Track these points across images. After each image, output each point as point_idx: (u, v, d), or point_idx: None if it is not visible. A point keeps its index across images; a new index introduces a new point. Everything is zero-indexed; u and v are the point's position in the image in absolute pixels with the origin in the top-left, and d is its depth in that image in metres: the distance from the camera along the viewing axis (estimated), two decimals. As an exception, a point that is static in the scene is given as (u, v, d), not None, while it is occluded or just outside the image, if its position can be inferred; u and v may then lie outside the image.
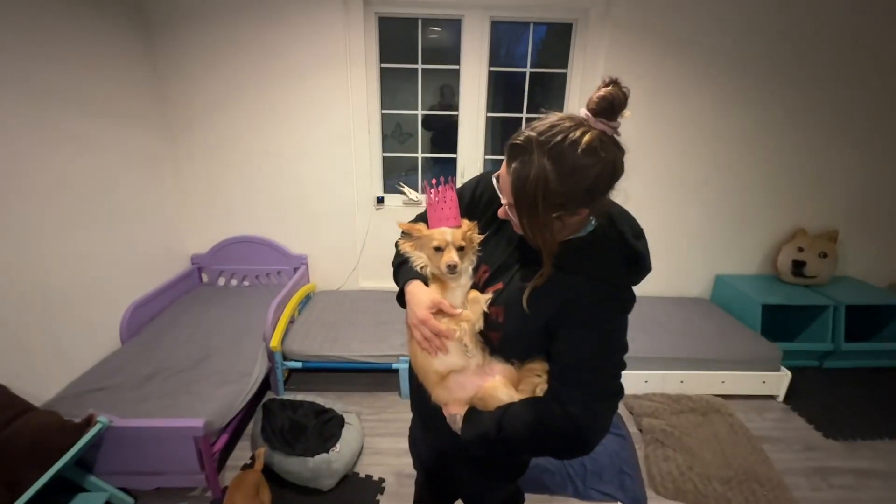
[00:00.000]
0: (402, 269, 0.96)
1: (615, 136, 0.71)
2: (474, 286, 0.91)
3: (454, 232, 0.87)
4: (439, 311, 0.86)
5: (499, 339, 0.87)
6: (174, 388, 1.90)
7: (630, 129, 2.54)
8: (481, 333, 0.88)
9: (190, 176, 2.78)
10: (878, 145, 2.80)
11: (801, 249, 2.87)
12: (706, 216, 2.96)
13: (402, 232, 0.96)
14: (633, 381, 2.42)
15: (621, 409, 2.36)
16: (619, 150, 0.71)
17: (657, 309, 2.84)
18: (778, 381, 2.45)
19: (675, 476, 1.92)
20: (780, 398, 2.48)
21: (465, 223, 0.91)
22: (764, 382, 2.45)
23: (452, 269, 0.85)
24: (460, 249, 0.87)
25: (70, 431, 1.50)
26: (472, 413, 0.88)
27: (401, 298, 0.96)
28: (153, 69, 2.52)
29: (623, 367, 0.82)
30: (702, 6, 2.49)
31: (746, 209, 2.95)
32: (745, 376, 2.43)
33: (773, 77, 2.64)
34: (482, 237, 0.92)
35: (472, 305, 0.86)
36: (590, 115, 0.69)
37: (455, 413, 0.89)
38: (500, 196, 0.79)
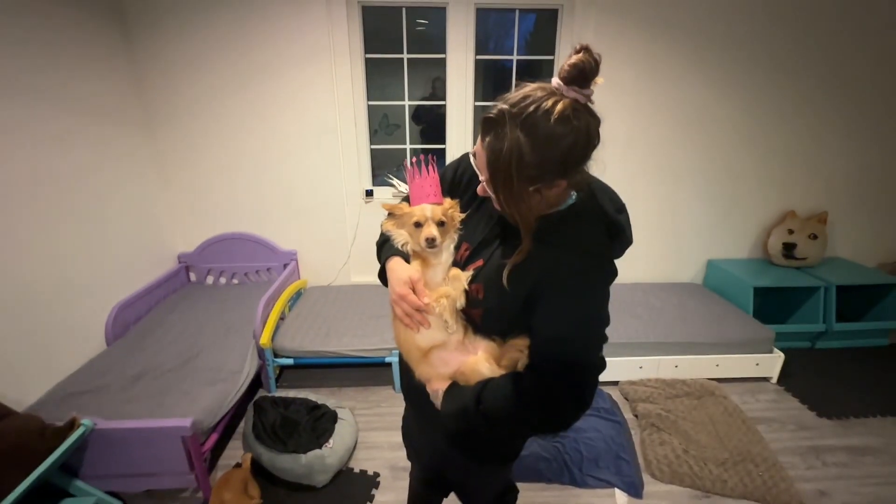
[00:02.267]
0: (385, 247, 0.96)
1: (588, 103, 0.70)
2: (455, 264, 0.90)
3: (434, 208, 0.87)
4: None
5: (480, 315, 0.87)
6: (162, 388, 1.86)
7: (618, 113, 2.54)
8: (463, 311, 0.87)
9: (174, 173, 2.72)
10: (865, 127, 2.81)
11: (791, 232, 2.88)
12: (697, 201, 2.96)
13: (388, 214, 0.95)
14: (628, 367, 2.41)
15: (616, 395, 2.36)
16: (592, 118, 0.70)
17: (650, 295, 2.84)
18: (771, 363, 2.46)
19: (672, 460, 1.91)
20: (774, 380, 2.49)
21: (447, 201, 0.91)
22: (757, 365, 2.46)
23: (431, 242, 0.85)
24: (441, 225, 0.87)
25: (52, 435, 1.45)
26: (453, 387, 0.87)
27: (382, 276, 0.96)
28: (132, 64, 2.46)
29: (604, 340, 0.81)
30: (688, -11, 2.47)
31: (737, 193, 2.95)
32: (739, 359, 2.44)
33: (761, 61, 2.63)
34: (463, 216, 0.91)
35: (452, 282, 0.86)
36: (562, 83, 0.68)
37: (437, 388, 0.89)
38: (478, 172, 0.78)
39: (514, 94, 0.70)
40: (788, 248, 2.86)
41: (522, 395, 0.78)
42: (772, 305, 2.81)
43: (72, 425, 1.51)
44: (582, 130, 0.68)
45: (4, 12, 1.74)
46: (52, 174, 1.94)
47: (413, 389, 0.98)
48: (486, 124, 0.72)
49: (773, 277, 2.79)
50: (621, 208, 0.83)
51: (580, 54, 0.66)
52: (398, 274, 0.88)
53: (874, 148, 2.86)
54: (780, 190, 2.95)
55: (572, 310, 0.77)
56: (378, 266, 1.00)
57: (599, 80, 0.68)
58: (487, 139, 0.72)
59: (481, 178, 0.78)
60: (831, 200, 2.97)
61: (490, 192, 0.77)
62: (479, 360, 0.85)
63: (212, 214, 2.83)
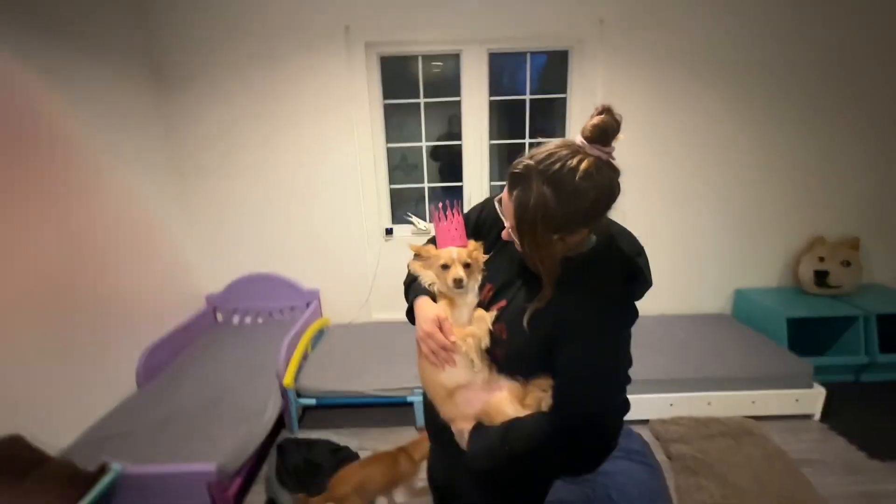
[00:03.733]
0: (412, 286, 1.01)
1: (610, 160, 0.74)
2: (479, 304, 0.94)
3: (460, 251, 0.92)
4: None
5: (504, 355, 0.89)
6: (188, 431, 1.89)
7: (633, 145, 2.56)
8: (487, 350, 0.89)
9: (203, 217, 2.86)
10: (893, 148, 2.74)
11: (821, 259, 2.78)
12: (720, 229, 2.91)
13: (415, 255, 1.01)
14: (658, 404, 2.32)
15: (647, 436, 2.26)
16: (614, 173, 0.74)
17: (676, 327, 2.76)
18: (812, 399, 2.33)
19: (710, 506, 1.80)
20: (817, 417, 2.35)
21: (471, 243, 0.96)
22: (797, 401, 2.33)
23: (458, 283, 0.90)
24: (466, 267, 0.91)
25: (83, 480, 1.48)
26: (479, 427, 0.88)
27: (410, 315, 1.00)
28: (166, 116, 2.65)
29: (626, 382, 0.82)
30: (694, 23, 2.53)
31: (761, 220, 2.90)
32: (777, 395, 2.32)
33: (779, 83, 2.64)
34: (487, 257, 0.96)
35: (477, 322, 0.89)
36: (585, 142, 0.72)
37: (462, 428, 0.90)
38: (503, 219, 0.83)
39: (541, 151, 0.75)
40: (820, 276, 2.76)
41: (547, 436, 0.79)
42: (807, 337, 2.69)
43: (102, 470, 1.54)
44: (605, 186, 0.72)
45: (50, 75, 1.90)
46: (90, 221, 2.07)
47: (438, 428, 0.99)
48: (513, 178, 0.77)
49: (807, 307, 2.68)
50: (640, 251, 0.85)
51: (602, 115, 0.71)
52: (425, 312, 0.92)
53: (904, 170, 2.79)
54: (807, 215, 2.88)
55: (592, 353, 0.78)
56: (405, 305, 1.04)
57: (622, 135, 0.73)
58: (515, 192, 0.76)
59: (507, 224, 0.82)
60: (862, 225, 2.87)
61: (515, 239, 0.81)
62: (504, 400, 0.86)
63: (238, 255, 2.94)
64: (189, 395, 2.13)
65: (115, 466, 1.56)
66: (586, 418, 0.78)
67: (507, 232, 0.83)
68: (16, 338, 1.69)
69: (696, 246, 2.94)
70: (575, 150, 0.72)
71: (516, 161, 0.77)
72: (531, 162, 0.74)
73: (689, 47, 2.57)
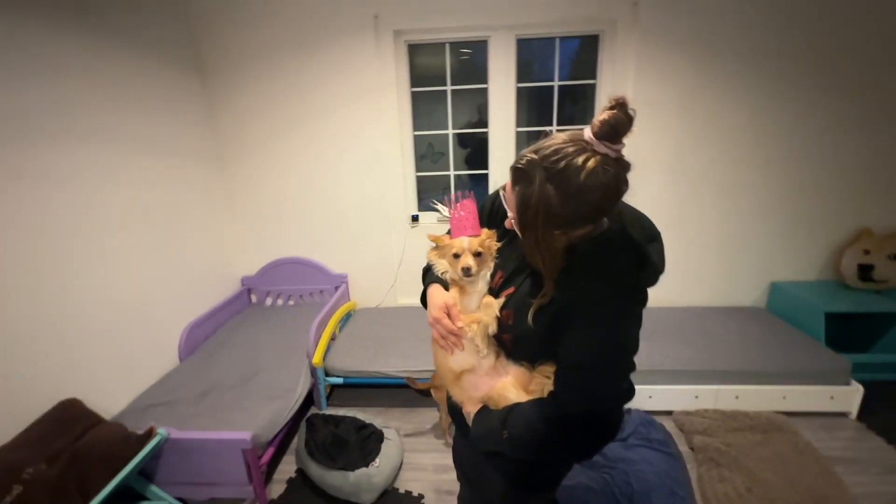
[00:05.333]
0: (428, 274, 1.05)
1: (620, 156, 0.71)
2: (490, 291, 0.96)
3: (471, 240, 0.95)
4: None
5: (510, 340, 0.91)
6: (226, 403, 2.02)
7: (664, 135, 2.51)
8: (495, 336, 0.92)
9: (240, 204, 2.99)
10: (950, 135, 2.56)
11: (867, 252, 2.64)
12: (757, 219, 2.80)
13: (433, 244, 1.04)
14: (682, 396, 2.29)
15: (670, 426, 2.24)
16: (622, 169, 0.72)
17: (708, 319, 2.69)
18: (849, 397, 2.24)
19: (733, 498, 1.78)
20: (853, 415, 2.26)
21: (485, 232, 0.98)
22: (832, 398, 2.25)
23: (467, 271, 0.92)
24: (478, 255, 0.93)
25: (134, 442, 1.62)
26: (483, 411, 0.92)
27: (424, 301, 1.04)
28: (209, 110, 2.77)
29: (630, 369, 0.82)
30: (736, 4, 2.41)
31: (802, 210, 2.76)
32: (810, 391, 2.24)
33: (824, 72, 2.49)
34: (499, 245, 0.97)
35: (485, 309, 0.91)
36: (593, 138, 0.69)
37: (469, 411, 0.94)
38: (507, 208, 0.83)
39: (546, 146, 0.73)
40: (865, 271, 2.62)
41: (544, 421, 0.80)
42: (846, 332, 2.57)
43: (150, 434, 1.67)
44: (611, 184, 0.70)
45: (97, 68, 2.01)
46: (139, 208, 2.21)
47: (457, 410, 1.03)
48: (516, 173, 0.76)
49: (848, 302, 2.56)
50: (653, 237, 0.83)
51: (613, 111, 0.68)
52: (435, 300, 0.95)
53: (964, 158, 2.59)
54: (852, 206, 2.73)
55: (595, 338, 0.78)
56: (421, 290, 1.08)
57: (633, 130, 0.70)
58: (518, 188, 0.76)
59: (509, 214, 0.83)
60: (914, 217, 2.70)
61: (517, 231, 0.82)
62: (507, 386, 0.89)
63: (271, 240, 3.07)
64: (226, 370, 2.26)
65: (161, 431, 1.69)
66: (584, 405, 0.79)
67: (510, 222, 0.84)
68: (76, 310, 1.85)
69: (730, 237, 2.84)
70: (582, 146, 0.70)
71: (520, 155, 0.75)
72: (535, 157, 0.72)
73: (727, 32, 2.46)
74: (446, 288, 0.98)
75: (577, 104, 2.84)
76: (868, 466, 1.97)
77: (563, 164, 0.69)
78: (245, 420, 1.87)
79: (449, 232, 1.03)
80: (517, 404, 0.86)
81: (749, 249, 2.86)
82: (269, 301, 3.17)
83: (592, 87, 2.74)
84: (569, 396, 0.80)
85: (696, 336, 2.51)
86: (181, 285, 2.50)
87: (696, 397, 2.29)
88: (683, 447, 2.12)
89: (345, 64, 2.66)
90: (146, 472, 1.76)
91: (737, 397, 2.27)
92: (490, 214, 1.03)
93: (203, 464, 1.76)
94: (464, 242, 0.94)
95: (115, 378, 2.02)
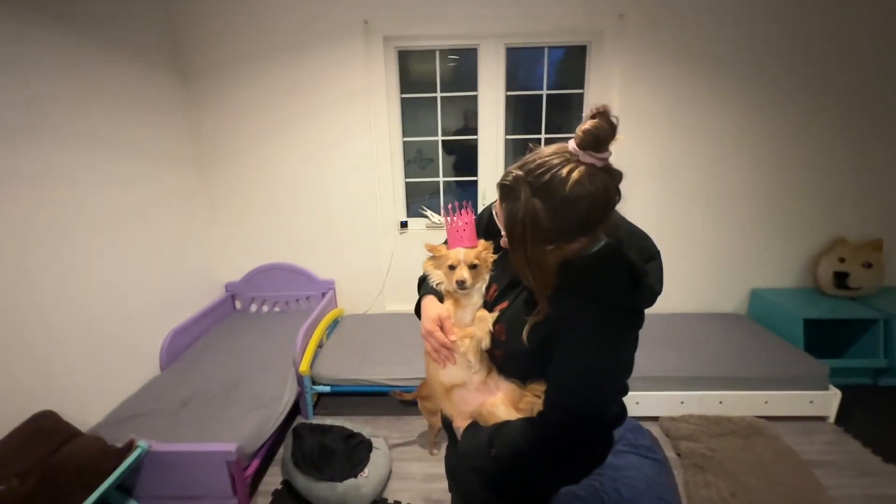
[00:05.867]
0: (423, 285, 1.03)
1: (607, 165, 0.70)
2: (484, 304, 0.95)
3: (467, 252, 0.93)
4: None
5: (502, 356, 0.90)
6: (209, 413, 1.96)
7: (650, 143, 2.55)
8: (488, 351, 0.91)
9: (223, 208, 2.94)
10: (919, 148, 2.67)
11: (842, 260, 2.73)
12: (738, 228, 2.87)
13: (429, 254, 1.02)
14: (668, 402, 2.33)
15: (656, 431, 2.27)
16: (611, 178, 0.70)
17: (691, 326, 2.75)
18: (827, 401, 2.31)
19: (717, 503, 1.81)
20: (831, 419, 2.33)
21: (481, 243, 0.96)
22: (811, 402, 2.31)
23: (461, 284, 0.91)
24: (473, 268, 0.92)
25: (112, 456, 1.57)
26: (472, 427, 0.90)
27: (418, 312, 1.02)
28: (189, 111, 2.71)
29: (623, 392, 0.80)
30: (716, 18, 2.49)
31: (780, 219, 2.85)
32: (790, 396, 2.30)
33: (802, 83, 2.58)
34: (496, 257, 0.96)
35: (478, 324, 0.90)
36: (577, 148, 0.69)
37: (459, 426, 0.93)
38: (501, 229, 0.81)
39: (531, 160, 0.72)
40: (840, 278, 2.71)
41: (530, 442, 0.78)
42: (823, 338, 2.65)
43: (130, 447, 1.62)
44: (599, 194, 0.68)
45: (76, 66, 1.95)
46: (116, 212, 2.15)
47: (449, 423, 1.01)
48: (502, 191, 0.75)
49: (824, 308, 2.64)
50: (652, 256, 0.80)
51: (595, 120, 0.67)
52: (429, 311, 0.93)
53: (932, 171, 2.71)
54: (828, 215, 2.83)
55: (585, 360, 0.76)
56: (416, 300, 1.06)
57: (620, 137, 0.68)
58: (505, 204, 0.75)
59: (503, 233, 0.81)
60: (886, 226, 2.81)
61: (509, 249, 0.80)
62: (497, 403, 0.87)
63: (256, 246, 3.01)
64: (209, 379, 2.21)
65: (142, 444, 1.64)
66: (571, 427, 0.76)
67: (504, 241, 0.82)
68: (51, 318, 1.78)
69: (712, 245, 2.91)
70: (566, 158, 0.69)
71: (506, 172, 0.74)
72: (520, 173, 0.71)
73: (709, 44, 2.53)
74: (441, 299, 0.97)
75: (564, 113, 2.88)
76: (845, 469, 2.03)
77: (547, 176, 0.68)
78: (229, 431, 1.83)
79: (446, 242, 1.02)
80: (506, 423, 0.83)
81: (731, 257, 2.93)
82: (254, 308, 3.11)
83: (580, 97, 2.79)
84: (556, 418, 0.77)
85: (681, 342, 2.55)
86: (162, 291, 2.44)
87: (682, 403, 2.32)
88: (670, 453, 2.14)
89: (333, 68, 2.65)
90: (125, 487, 1.70)
91: (721, 402, 2.31)
92: (487, 225, 1.01)
93: (186, 477, 1.71)
94: (459, 254, 0.92)
95: (92, 388, 1.95)
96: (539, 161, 0.70)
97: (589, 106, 2.80)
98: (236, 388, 2.14)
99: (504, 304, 0.90)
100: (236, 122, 2.76)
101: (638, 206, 2.74)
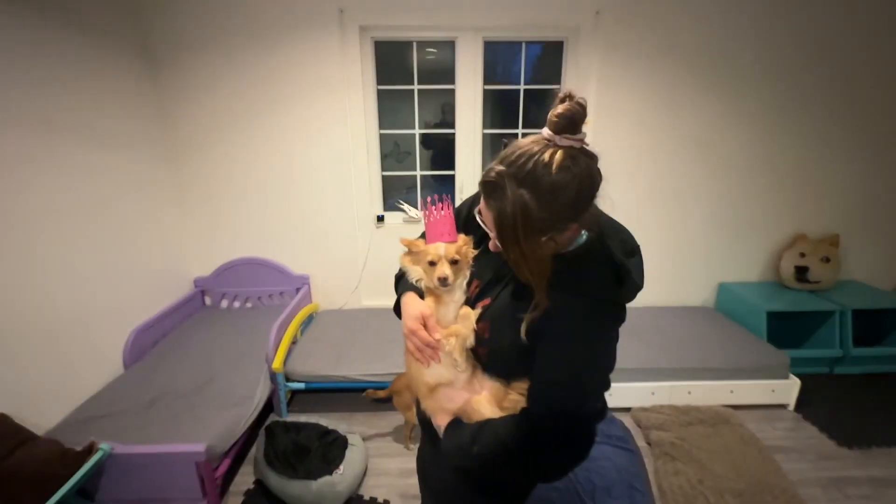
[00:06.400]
0: (402, 281, 0.98)
1: (584, 146, 0.70)
2: (466, 301, 0.92)
3: (448, 247, 0.89)
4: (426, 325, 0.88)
5: (486, 354, 0.88)
6: (177, 412, 1.89)
7: (625, 140, 2.59)
8: (472, 349, 0.88)
9: (192, 200, 2.82)
10: (874, 148, 2.82)
11: (802, 255, 2.86)
12: (707, 224, 2.97)
13: (406, 249, 0.98)
14: (640, 393, 2.39)
15: (628, 422, 2.32)
16: (591, 159, 0.70)
17: (661, 319, 2.82)
18: (787, 390, 2.41)
19: (686, 490, 1.88)
20: (791, 407, 2.44)
21: (461, 238, 0.92)
22: (773, 391, 2.41)
23: (443, 281, 0.87)
24: (454, 263, 0.88)
25: (71, 460, 1.49)
26: (454, 424, 0.88)
27: (398, 310, 0.98)
28: (156, 98, 2.59)
29: (605, 387, 0.79)
30: (689, 19, 2.54)
31: (746, 216, 2.96)
32: (754, 385, 2.40)
33: (766, 85, 2.67)
34: (476, 252, 0.93)
35: (462, 321, 0.87)
36: (553, 134, 0.69)
37: (440, 424, 0.90)
38: (487, 231, 0.79)
39: (509, 153, 0.71)
40: (801, 272, 2.83)
41: (514, 439, 0.77)
42: (785, 330, 2.77)
43: (90, 450, 1.54)
44: (584, 174, 0.68)
45: (30, 44, 1.83)
46: (74, 202, 2.03)
47: (427, 422, 0.98)
48: (486, 188, 0.73)
49: (786, 301, 2.76)
50: (633, 251, 0.80)
51: (565, 103, 0.68)
52: (410, 310, 0.89)
53: (884, 169, 2.86)
54: (790, 213, 2.95)
55: (569, 356, 0.75)
56: (395, 295, 1.01)
57: (588, 121, 0.69)
58: (491, 202, 0.72)
59: (491, 235, 0.78)
60: (843, 223, 2.95)
61: (503, 251, 0.77)
62: (482, 401, 0.85)
63: (227, 239, 2.92)
64: (177, 377, 2.13)
65: (104, 446, 1.56)
66: (554, 423, 0.76)
67: (494, 244, 0.79)
68: (3, 314, 1.67)
69: (682, 240, 3.00)
70: (545, 144, 0.69)
71: (487, 169, 0.73)
72: (502, 167, 0.70)
73: (683, 43, 2.58)
74: (421, 296, 0.93)
75: (541, 108, 2.89)
76: (805, 454, 2.13)
77: (530, 164, 0.67)
78: (198, 430, 1.77)
79: (423, 236, 0.99)
80: (489, 420, 0.82)
81: (699, 253, 3.03)
82: (224, 303, 3.02)
83: (557, 93, 2.79)
84: (540, 414, 0.77)
85: (653, 335, 2.62)
86: (126, 286, 2.33)
87: (653, 394, 2.39)
88: (641, 442, 2.20)
89: (308, 57, 2.57)
90: (87, 492, 1.62)
91: (689, 393, 2.39)
92: (467, 220, 0.97)
93: (152, 479, 1.64)
94: (440, 249, 0.88)
95: (49, 389, 1.84)
96: (519, 152, 0.69)
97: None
98: (206, 387, 2.07)
99: (486, 301, 0.88)
100: (206, 110, 2.65)
101: (611, 200, 2.77)
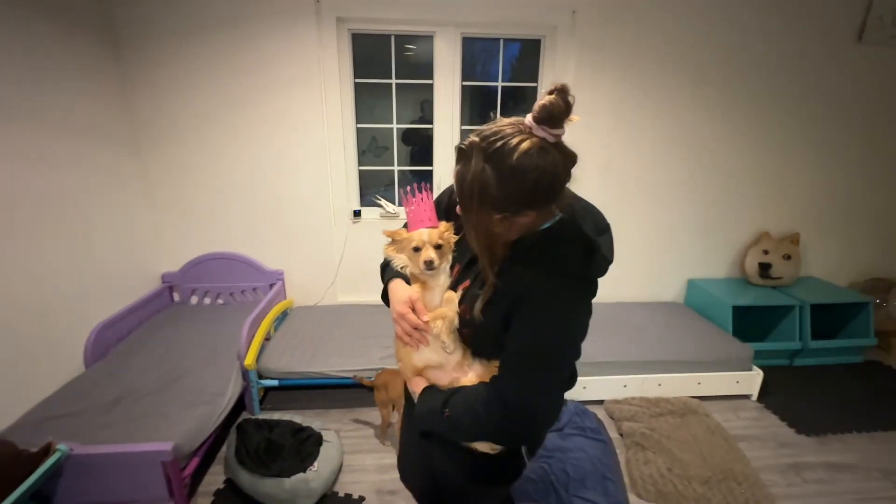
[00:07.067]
0: (387, 269, 1.01)
1: (560, 143, 0.72)
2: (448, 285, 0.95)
3: (430, 232, 0.92)
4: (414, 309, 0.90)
5: (470, 335, 0.91)
6: (142, 412, 1.82)
7: (599, 138, 2.64)
8: (459, 331, 0.91)
9: (161, 193, 2.72)
10: (831, 152, 2.97)
11: (766, 252, 2.99)
12: (677, 223, 3.06)
13: (390, 240, 1.00)
14: (613, 385, 2.44)
15: (602, 414, 2.37)
16: (565, 158, 0.72)
17: (634, 314, 2.90)
18: (751, 381, 2.52)
19: (656, 478, 1.93)
20: (754, 397, 2.54)
21: (443, 224, 0.95)
22: (738, 382, 2.51)
23: (429, 265, 0.89)
24: (438, 248, 0.91)
25: (26, 461, 1.41)
26: (429, 389, 0.93)
27: (385, 297, 1.00)
28: (122, 85, 2.48)
29: (575, 357, 0.85)
30: (665, 18, 2.61)
31: (714, 215, 3.06)
32: (720, 377, 2.49)
33: (732, 89, 2.78)
34: (458, 237, 0.96)
35: (448, 305, 0.90)
36: (532, 122, 0.71)
37: (415, 389, 0.94)
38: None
39: (488, 128, 0.74)
40: (764, 268, 2.96)
41: (483, 406, 0.82)
42: (750, 324, 2.89)
43: (47, 451, 1.46)
44: (547, 168, 0.70)
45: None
46: (34, 193, 1.93)
47: (415, 420, 1.00)
48: (458, 154, 0.76)
49: (750, 296, 2.88)
50: (604, 229, 0.84)
51: (551, 96, 0.69)
52: (398, 294, 0.92)
53: (839, 172, 3.02)
54: (755, 212, 3.08)
55: (540, 327, 0.79)
56: (373, 287, 1.06)
57: (575, 118, 0.71)
58: (458, 167, 0.76)
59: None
60: (803, 222, 3.10)
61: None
62: (469, 382, 0.89)
63: (197, 234, 2.82)
64: (143, 376, 2.05)
65: (62, 447, 1.49)
66: (524, 391, 0.80)
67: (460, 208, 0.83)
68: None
69: (654, 238, 3.08)
70: (520, 129, 0.71)
71: (465, 138, 0.76)
72: (476, 139, 0.73)
73: (656, 44, 2.65)
74: (408, 282, 0.95)
75: (519, 106, 2.92)
76: (766, 442, 2.23)
77: (499, 143, 0.70)
78: (165, 429, 1.70)
79: (405, 226, 1.00)
80: (462, 387, 0.87)
81: (669, 250, 3.12)
82: (194, 300, 2.92)
83: (535, 90, 2.83)
84: (509, 381, 0.81)
85: (625, 329, 2.68)
86: (88, 281, 2.22)
87: (625, 386, 2.45)
88: (614, 433, 2.25)
89: (283, 48, 2.51)
90: (43, 495, 1.54)
91: (660, 385, 2.46)
92: (448, 207, 1.00)
93: (115, 481, 1.57)
94: (423, 235, 0.91)
95: (2, 388, 1.74)
96: (495, 129, 0.72)
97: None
98: (174, 385, 2.00)
99: (466, 283, 0.91)
100: (177, 100, 2.55)
101: (586, 197, 2.83)
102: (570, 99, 0.69)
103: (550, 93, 0.70)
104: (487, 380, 0.87)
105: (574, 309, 0.81)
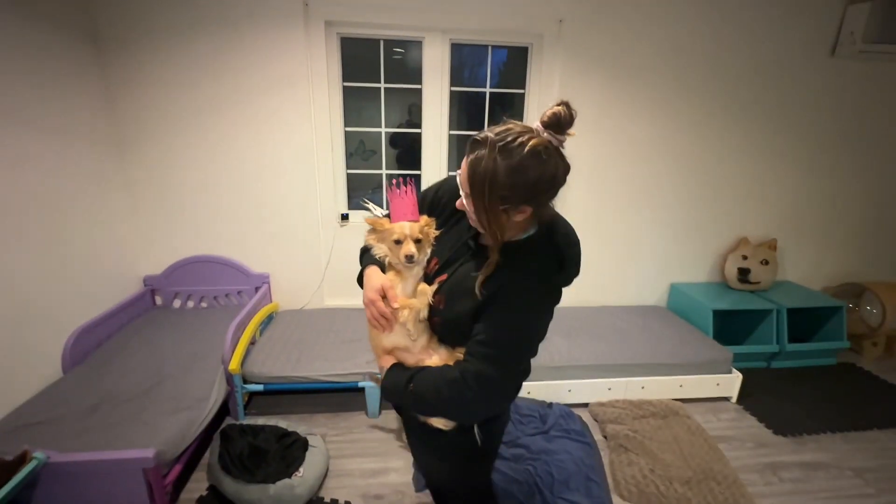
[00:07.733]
0: (366, 256, 1.07)
1: (560, 148, 0.84)
2: (424, 276, 1.02)
3: (412, 225, 0.98)
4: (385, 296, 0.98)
5: (440, 323, 1.00)
6: (122, 417, 1.78)
7: (583, 145, 2.69)
8: (427, 319, 1.00)
9: (143, 194, 2.67)
10: (807, 160, 3.07)
11: (745, 257, 3.07)
12: (660, 228, 3.12)
13: (371, 228, 1.06)
14: (597, 388, 2.48)
15: (586, 416, 2.41)
16: (562, 161, 0.84)
17: (617, 318, 2.94)
18: (730, 383, 2.58)
19: (639, 479, 1.96)
20: (734, 399, 2.61)
21: (424, 218, 1.02)
22: (718, 385, 2.57)
23: (410, 259, 0.95)
24: (417, 241, 0.97)
25: (1, 470, 1.37)
26: (395, 365, 1.01)
27: (361, 281, 1.08)
28: (104, 85, 2.43)
29: (532, 354, 0.95)
30: (650, 29, 2.67)
31: (695, 221, 3.14)
32: (701, 379, 2.54)
33: (713, 98, 2.86)
34: (438, 233, 1.03)
35: (420, 296, 0.98)
36: (541, 126, 0.82)
37: (383, 365, 1.03)
38: (460, 188, 0.91)
39: (501, 127, 0.84)
40: (743, 273, 3.04)
41: (445, 384, 0.90)
42: (730, 327, 2.96)
43: (23, 459, 1.43)
44: (549, 169, 0.81)
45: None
46: (10, 193, 1.88)
47: (408, 414, 1.11)
48: (472, 144, 0.85)
49: (730, 300, 2.95)
50: (574, 243, 0.96)
51: (560, 107, 0.81)
52: (372, 282, 0.99)
53: (814, 180, 3.12)
54: (734, 218, 3.16)
55: (506, 321, 0.89)
56: (360, 290, 1.08)
57: (572, 132, 0.82)
58: (471, 157, 0.84)
59: (462, 192, 0.90)
60: (780, 228, 3.20)
61: (467, 206, 0.89)
62: (429, 363, 0.98)
63: (181, 236, 2.78)
64: (123, 381, 2.01)
65: (38, 455, 1.45)
66: (480, 373, 0.87)
67: (461, 201, 0.91)
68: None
69: (636, 243, 3.14)
70: (529, 130, 0.82)
71: (479, 132, 0.85)
72: (490, 134, 0.83)
73: (640, 54, 2.71)
74: (383, 269, 1.02)
75: (506, 112, 2.96)
76: (745, 443, 2.28)
77: (511, 139, 0.80)
78: (146, 435, 1.67)
79: (388, 216, 1.05)
80: (428, 367, 0.96)
81: (652, 255, 3.18)
82: (177, 303, 2.87)
83: (521, 97, 2.87)
84: (470, 365, 0.89)
85: (609, 333, 2.73)
86: (66, 284, 2.17)
87: (610, 389, 2.49)
88: (598, 435, 2.29)
89: (270, 50, 2.50)
90: (17, 505, 1.50)
91: (643, 387, 2.50)
92: (431, 203, 1.09)
93: (94, 489, 1.54)
94: (405, 228, 0.96)
95: (-26, 395, 1.69)
96: (507, 128, 0.83)
97: (530, 106, 2.94)
98: (156, 390, 1.97)
99: (443, 277, 0.99)
100: (161, 101, 2.52)
101: (567, 205, 2.88)
102: (573, 112, 0.82)
103: (559, 104, 0.81)
104: (451, 363, 0.95)
105: (539, 311, 0.91)
